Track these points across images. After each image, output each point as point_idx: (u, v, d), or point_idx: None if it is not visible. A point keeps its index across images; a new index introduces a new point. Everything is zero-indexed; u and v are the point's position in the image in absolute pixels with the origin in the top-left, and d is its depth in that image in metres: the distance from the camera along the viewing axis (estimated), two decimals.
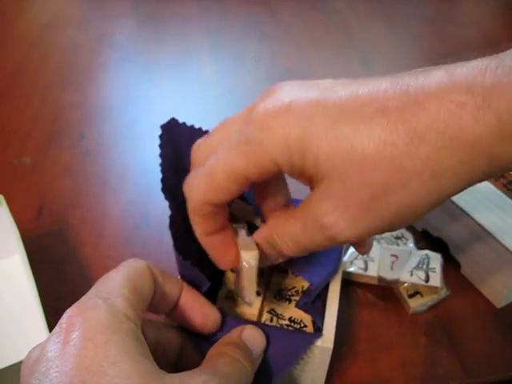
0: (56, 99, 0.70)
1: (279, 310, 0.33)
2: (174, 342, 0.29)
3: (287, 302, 0.34)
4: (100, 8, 0.98)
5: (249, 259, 0.29)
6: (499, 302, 0.42)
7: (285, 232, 0.27)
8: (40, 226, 0.49)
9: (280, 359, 0.29)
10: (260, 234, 0.29)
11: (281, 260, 0.30)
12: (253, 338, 0.28)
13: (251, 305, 0.30)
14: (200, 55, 0.80)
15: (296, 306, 0.33)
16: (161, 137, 0.31)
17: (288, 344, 0.30)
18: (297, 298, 0.34)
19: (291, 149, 0.24)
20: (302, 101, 0.24)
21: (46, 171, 0.57)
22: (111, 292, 0.23)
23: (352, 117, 0.23)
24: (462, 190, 0.22)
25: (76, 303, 0.23)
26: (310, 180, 0.25)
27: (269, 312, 0.33)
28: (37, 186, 0.55)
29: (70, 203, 0.52)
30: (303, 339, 0.30)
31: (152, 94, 0.71)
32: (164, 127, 0.31)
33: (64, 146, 0.61)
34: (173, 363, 0.29)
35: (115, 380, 0.19)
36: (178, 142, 0.32)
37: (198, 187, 0.27)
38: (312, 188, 0.26)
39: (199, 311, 0.29)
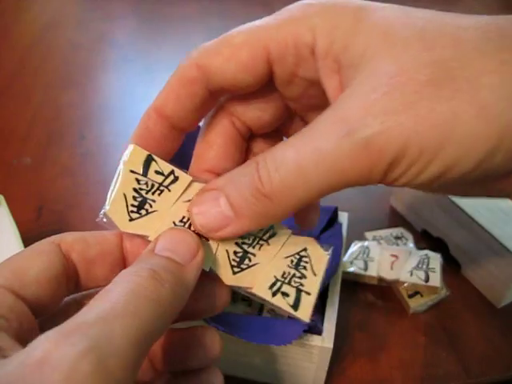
0: (56, 99, 0.70)
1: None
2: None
3: None
4: (100, 8, 0.98)
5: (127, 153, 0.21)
6: (499, 302, 0.42)
7: (273, 152, 0.18)
8: (40, 226, 0.49)
9: (269, 339, 0.29)
10: (234, 170, 0.20)
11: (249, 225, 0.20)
12: (174, 241, 0.19)
13: (103, 214, 0.21)
14: None
15: None
16: None
17: (280, 329, 0.30)
18: None
19: (339, 17, 0.19)
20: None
21: (45, 171, 0.57)
22: None
23: (428, 11, 0.19)
24: None
25: None
26: (342, 74, 0.19)
27: (268, 312, 0.33)
28: (37, 185, 0.55)
29: (70, 203, 0.52)
30: (296, 326, 0.31)
31: (152, 93, 0.71)
32: None
33: (64, 145, 0.61)
34: None
35: None
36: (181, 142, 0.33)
37: (203, 47, 0.21)
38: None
39: None
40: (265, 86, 0.21)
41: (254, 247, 0.21)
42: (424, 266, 0.42)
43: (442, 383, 0.37)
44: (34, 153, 0.59)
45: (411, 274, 0.41)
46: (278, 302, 0.21)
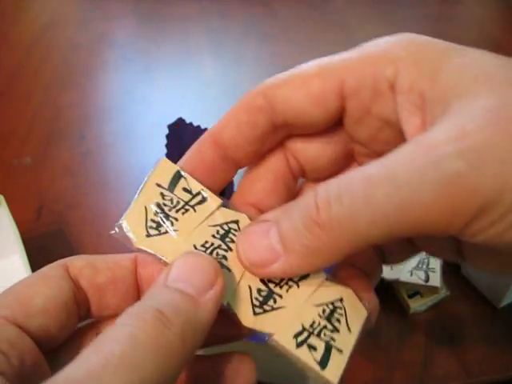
0: (56, 99, 0.70)
1: None
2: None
3: None
4: (100, 8, 0.97)
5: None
6: (499, 302, 0.42)
7: (338, 178, 0.16)
8: (40, 226, 0.49)
9: None
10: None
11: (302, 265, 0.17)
12: (188, 268, 0.17)
13: (118, 225, 0.19)
14: (200, 55, 0.80)
15: None
16: (167, 136, 0.31)
17: None
18: None
19: (426, 51, 0.17)
20: None
21: (46, 171, 0.57)
22: None
23: None
24: None
25: None
26: (426, 111, 0.17)
27: None
28: (37, 185, 0.55)
29: (70, 203, 0.52)
30: None
31: (152, 93, 0.71)
32: (171, 127, 0.31)
33: (64, 145, 0.61)
34: None
35: None
36: (184, 142, 0.33)
37: (272, 77, 0.19)
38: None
39: None
40: (331, 124, 0.19)
41: (281, 287, 0.19)
42: (424, 266, 0.42)
43: (442, 383, 0.37)
44: (34, 153, 0.59)
45: (411, 274, 0.41)
46: (303, 355, 0.18)
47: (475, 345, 0.39)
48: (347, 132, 0.20)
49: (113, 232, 0.19)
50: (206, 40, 0.85)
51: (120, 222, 0.19)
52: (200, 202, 0.19)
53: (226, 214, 0.20)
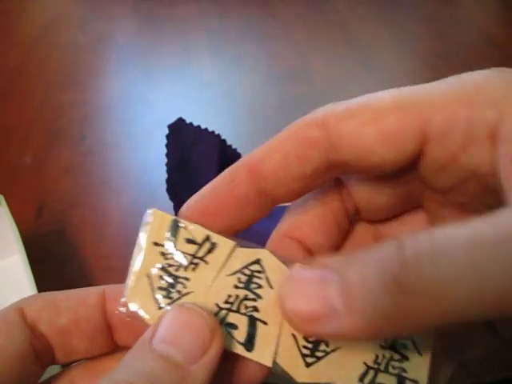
0: (57, 99, 0.70)
1: None
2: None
3: None
4: (100, 9, 0.98)
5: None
6: None
7: (430, 230, 0.13)
8: (40, 226, 0.49)
9: None
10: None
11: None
12: (177, 327, 0.14)
13: (122, 304, 0.16)
14: (200, 56, 0.80)
15: None
16: (168, 136, 0.31)
17: None
18: None
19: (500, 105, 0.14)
20: None
21: (46, 171, 0.57)
22: None
23: None
24: None
25: None
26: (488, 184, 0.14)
27: None
28: (37, 185, 0.55)
29: (71, 203, 0.52)
30: None
31: (153, 94, 0.71)
32: (171, 127, 0.31)
33: (65, 145, 0.61)
34: None
35: None
36: (184, 142, 0.33)
37: (333, 105, 0.16)
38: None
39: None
40: (400, 168, 0.16)
41: None
42: None
43: (442, 383, 0.37)
44: (35, 152, 0.59)
45: None
46: None
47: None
48: (422, 178, 0.17)
49: (117, 311, 0.16)
50: (206, 41, 0.85)
51: (124, 299, 0.16)
52: (210, 251, 0.16)
53: (243, 255, 0.17)
